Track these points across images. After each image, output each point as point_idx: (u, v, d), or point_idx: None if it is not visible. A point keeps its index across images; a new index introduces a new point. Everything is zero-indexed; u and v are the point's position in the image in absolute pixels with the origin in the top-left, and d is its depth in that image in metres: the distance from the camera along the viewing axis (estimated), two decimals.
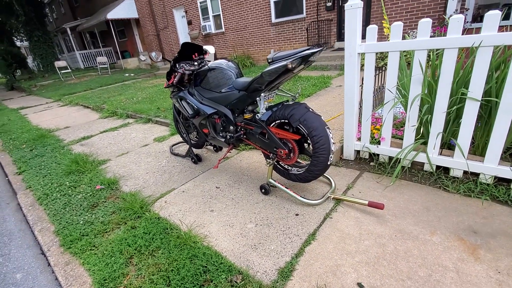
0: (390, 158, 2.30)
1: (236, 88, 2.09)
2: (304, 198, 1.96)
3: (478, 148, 2.03)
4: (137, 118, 4.83)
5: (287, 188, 2.04)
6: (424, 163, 2.13)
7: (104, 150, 3.55)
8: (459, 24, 1.69)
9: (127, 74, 11.63)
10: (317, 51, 1.60)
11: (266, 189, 2.14)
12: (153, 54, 2.57)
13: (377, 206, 1.76)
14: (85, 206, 2.30)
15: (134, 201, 2.20)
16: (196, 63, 2.48)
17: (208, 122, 2.36)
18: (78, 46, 19.79)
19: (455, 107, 1.90)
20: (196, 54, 2.52)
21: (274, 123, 1.98)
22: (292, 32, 8.44)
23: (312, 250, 1.58)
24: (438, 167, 2.10)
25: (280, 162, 2.14)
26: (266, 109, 1.98)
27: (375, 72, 2.26)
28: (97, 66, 13.84)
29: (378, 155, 2.36)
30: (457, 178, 2.01)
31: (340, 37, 7.70)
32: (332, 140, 1.81)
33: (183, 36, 12.14)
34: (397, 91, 2.57)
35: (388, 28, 2.61)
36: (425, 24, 1.81)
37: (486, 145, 1.86)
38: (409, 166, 2.21)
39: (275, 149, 1.99)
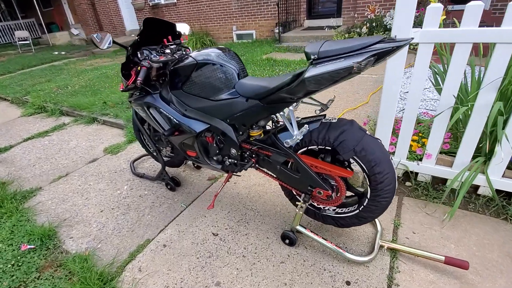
0: (433, 177, 1.84)
1: (241, 95, 1.36)
2: (352, 254, 1.39)
3: None
4: (77, 117, 3.70)
5: (325, 239, 1.43)
6: (478, 186, 1.71)
7: (31, 171, 2.51)
8: None
9: (56, 52, 9.50)
10: (402, 45, 0.95)
11: (292, 239, 1.51)
12: (96, 36, 1.62)
13: (460, 265, 1.28)
14: None
15: (88, 276, 1.40)
16: (168, 51, 1.64)
17: (196, 142, 1.60)
18: None
19: None
20: (168, 37, 1.68)
21: (303, 149, 1.33)
22: (257, 6, 7.53)
23: None
24: (497, 191, 1.70)
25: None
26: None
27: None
28: (16, 42, 11.13)
29: (416, 173, 1.89)
30: None
31: (311, 14, 7.09)
32: (397, 176, 1.23)
33: (125, 7, 10.27)
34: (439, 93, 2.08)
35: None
36: None
37: None
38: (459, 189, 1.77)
39: (310, 188, 1.35)
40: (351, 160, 1.24)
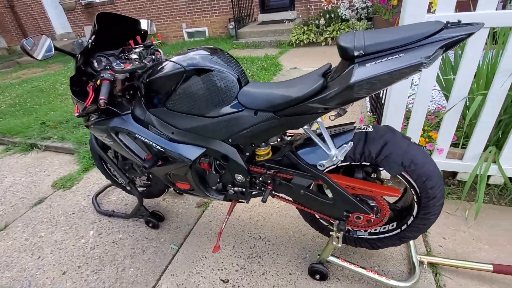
0: (444, 172, 1.75)
1: (247, 107, 1.06)
2: (395, 280, 1.19)
3: None
4: (8, 145, 2.97)
5: (363, 268, 1.22)
6: (489, 176, 1.66)
7: None
8: None
9: None
10: (473, 31, 0.75)
11: (323, 274, 1.26)
12: (27, 42, 1.14)
13: (508, 272, 1.16)
14: None
15: None
16: (135, 56, 1.25)
17: (190, 172, 1.25)
18: None
19: None
20: (133, 38, 1.29)
21: (332, 167, 1.08)
22: (207, 1, 7.08)
23: None
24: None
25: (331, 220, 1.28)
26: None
27: None
28: None
29: None
30: None
31: (264, 8, 6.89)
32: None
33: (52, 7, 8.92)
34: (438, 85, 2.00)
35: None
36: None
37: None
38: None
39: (346, 213, 1.11)
40: (404, 176, 1.02)
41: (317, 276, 1.27)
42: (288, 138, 1.23)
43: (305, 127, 1.03)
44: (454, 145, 1.72)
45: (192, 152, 1.18)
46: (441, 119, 1.59)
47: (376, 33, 0.82)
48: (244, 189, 1.25)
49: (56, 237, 1.71)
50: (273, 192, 1.23)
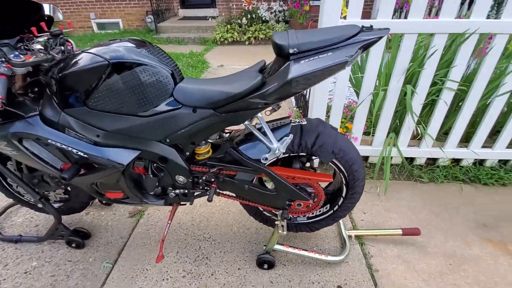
0: None
1: (184, 104, 1.02)
2: (331, 256, 1.34)
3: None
4: None
5: (305, 250, 1.32)
6: (392, 157, 2.02)
7: None
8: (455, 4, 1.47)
9: None
10: (383, 35, 0.90)
11: (271, 262, 1.32)
12: None
13: (413, 233, 1.44)
14: None
15: None
16: (39, 47, 1.06)
17: (123, 178, 1.12)
18: None
19: (430, 98, 1.79)
20: (37, 26, 1.08)
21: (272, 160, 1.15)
22: None
23: None
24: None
25: (273, 210, 1.36)
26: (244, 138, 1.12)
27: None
28: None
29: None
30: (421, 165, 2.03)
31: (184, 3, 6.65)
32: None
33: None
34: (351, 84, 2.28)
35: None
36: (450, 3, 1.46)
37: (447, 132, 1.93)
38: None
39: (289, 202, 1.19)
40: (334, 163, 1.15)
41: (265, 266, 1.32)
42: (227, 135, 1.23)
43: (246, 122, 1.05)
44: (365, 133, 2.03)
45: (124, 156, 1.07)
46: (354, 112, 1.84)
47: (306, 33, 0.90)
48: (186, 191, 1.20)
49: None
50: (217, 190, 1.22)
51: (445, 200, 1.75)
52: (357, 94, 2.19)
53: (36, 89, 1.10)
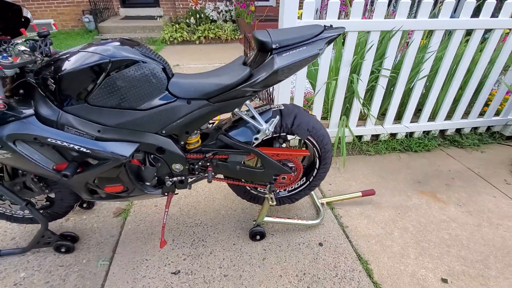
0: None
1: (179, 97, 1.14)
2: (311, 220, 1.59)
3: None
4: None
5: (290, 218, 1.54)
6: (346, 136, 2.37)
7: None
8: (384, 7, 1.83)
9: None
10: (341, 32, 1.15)
11: (262, 233, 1.51)
12: None
13: (369, 193, 1.78)
14: None
15: None
16: (23, 48, 1.08)
17: (125, 171, 1.19)
18: None
19: (370, 84, 2.17)
20: (15, 29, 1.08)
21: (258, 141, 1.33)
22: None
23: (380, 271, 1.36)
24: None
25: (258, 188, 1.55)
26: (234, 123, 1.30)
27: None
28: None
29: None
30: (368, 142, 2.42)
31: (125, 2, 6.35)
32: None
33: None
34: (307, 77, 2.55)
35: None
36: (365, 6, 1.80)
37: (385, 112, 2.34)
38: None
39: (274, 177, 1.39)
40: (309, 140, 1.37)
41: (258, 237, 1.50)
42: (213, 125, 1.38)
43: (236, 110, 1.22)
44: (323, 118, 2.34)
45: (125, 149, 1.14)
46: (312, 101, 2.13)
47: (282, 32, 1.10)
48: (183, 178, 1.31)
49: None
50: (212, 173, 1.35)
51: (389, 166, 2.16)
52: (312, 86, 2.50)
53: (22, 91, 1.09)
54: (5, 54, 0.98)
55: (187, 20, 5.41)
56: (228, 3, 5.83)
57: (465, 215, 1.73)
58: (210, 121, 1.40)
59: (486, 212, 1.75)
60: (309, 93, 2.79)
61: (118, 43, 1.06)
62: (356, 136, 2.40)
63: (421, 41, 2.21)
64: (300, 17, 1.80)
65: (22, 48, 1.06)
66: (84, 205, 1.71)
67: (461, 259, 1.46)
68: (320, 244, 1.51)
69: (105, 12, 6.00)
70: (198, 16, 5.45)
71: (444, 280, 1.34)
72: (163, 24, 5.37)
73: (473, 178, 2.06)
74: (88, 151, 1.08)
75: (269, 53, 1.09)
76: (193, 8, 5.48)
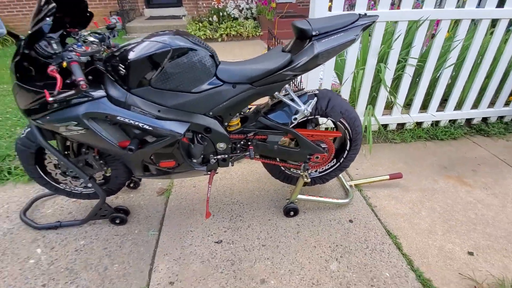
0: None
1: (226, 81, 1.27)
2: (340, 200, 1.69)
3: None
4: None
5: (321, 197, 1.65)
6: (372, 124, 2.43)
7: None
8: None
9: None
10: (375, 20, 1.25)
11: (296, 209, 1.62)
12: None
13: (397, 177, 1.85)
14: None
15: None
16: (92, 39, 1.24)
17: (179, 147, 1.34)
18: None
19: (397, 73, 2.23)
20: (81, 22, 1.25)
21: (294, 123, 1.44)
22: None
23: (409, 245, 1.44)
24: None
25: (291, 169, 1.66)
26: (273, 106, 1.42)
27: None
28: None
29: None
30: (393, 130, 2.48)
31: (149, 3, 6.62)
32: None
33: None
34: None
35: None
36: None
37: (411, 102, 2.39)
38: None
39: (309, 156, 1.50)
40: (341, 123, 1.47)
41: (292, 213, 1.62)
42: (252, 109, 1.51)
43: (276, 93, 1.34)
44: None
45: (180, 127, 1.28)
46: (339, 91, 2.21)
47: (320, 20, 1.21)
48: (226, 156, 1.45)
49: None
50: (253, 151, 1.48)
51: (414, 154, 2.21)
52: (339, 77, 2.58)
53: (90, 77, 1.25)
54: (79, 43, 1.14)
55: (210, 19, 5.58)
56: (249, 0, 5.96)
57: (491, 197, 1.77)
58: (249, 105, 1.52)
59: (511, 194, 1.79)
60: (335, 85, 2.86)
61: (175, 34, 1.21)
62: (382, 125, 2.46)
63: (446, 34, 2.25)
64: (329, 9, 1.89)
65: (91, 38, 1.22)
66: (131, 185, 1.88)
67: (486, 235, 1.51)
68: (350, 221, 1.61)
69: (131, 13, 6.29)
70: (220, 14, 5.61)
71: (470, 253, 1.41)
72: (186, 23, 5.57)
73: (499, 164, 2.08)
74: (150, 128, 1.23)
75: (308, 40, 1.20)
76: (215, 6, 5.65)
